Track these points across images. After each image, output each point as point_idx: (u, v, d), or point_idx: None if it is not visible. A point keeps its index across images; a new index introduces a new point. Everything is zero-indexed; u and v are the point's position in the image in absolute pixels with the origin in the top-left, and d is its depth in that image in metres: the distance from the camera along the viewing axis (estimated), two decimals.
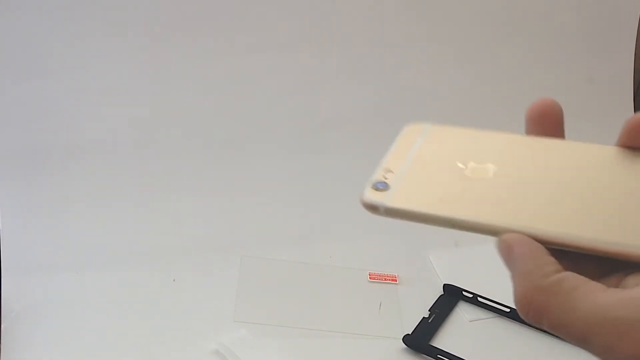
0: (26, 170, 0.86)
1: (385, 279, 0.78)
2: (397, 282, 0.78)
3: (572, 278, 0.24)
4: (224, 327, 0.69)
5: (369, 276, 0.78)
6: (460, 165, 0.30)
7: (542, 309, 0.23)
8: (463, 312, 0.74)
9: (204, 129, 0.92)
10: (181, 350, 0.67)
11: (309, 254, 0.80)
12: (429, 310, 0.73)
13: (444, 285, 0.76)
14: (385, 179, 0.30)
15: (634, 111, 1.11)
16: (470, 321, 0.72)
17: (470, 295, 0.74)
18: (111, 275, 0.76)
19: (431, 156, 0.31)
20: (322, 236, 0.85)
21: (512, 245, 0.25)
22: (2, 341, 0.67)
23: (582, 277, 0.24)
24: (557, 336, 0.24)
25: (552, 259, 0.25)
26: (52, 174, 0.86)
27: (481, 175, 0.29)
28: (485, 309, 0.73)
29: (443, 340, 0.69)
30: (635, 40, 1.09)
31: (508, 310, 0.71)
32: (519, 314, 0.24)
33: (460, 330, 0.71)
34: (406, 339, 0.68)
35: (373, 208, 0.29)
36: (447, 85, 1.00)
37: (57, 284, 0.74)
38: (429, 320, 0.71)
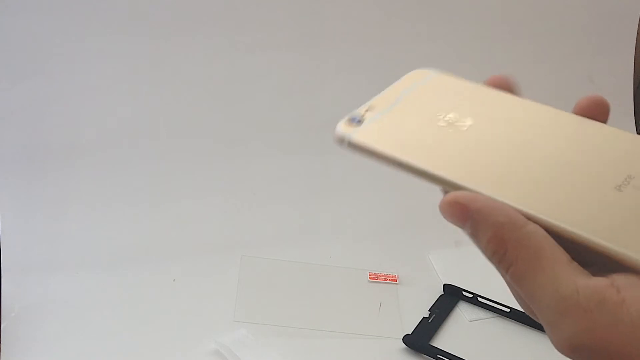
0: (26, 170, 0.85)
1: (385, 279, 0.78)
2: (397, 282, 0.78)
3: (540, 233, 0.24)
4: (223, 327, 0.69)
5: (369, 276, 0.78)
6: (439, 114, 0.30)
7: (514, 256, 0.24)
8: (463, 312, 0.74)
9: (204, 129, 0.92)
10: (181, 350, 0.67)
11: (309, 253, 0.80)
12: (429, 310, 0.73)
13: (444, 285, 0.76)
14: (363, 115, 0.30)
15: (634, 111, 1.11)
16: (470, 321, 0.72)
17: (470, 295, 0.74)
18: (111, 275, 0.76)
19: (417, 101, 0.31)
20: (322, 236, 0.85)
21: (465, 204, 0.25)
22: (2, 341, 0.67)
23: (548, 236, 0.24)
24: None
25: (515, 210, 0.24)
26: (52, 174, 0.86)
27: (454, 129, 0.29)
28: (485, 309, 0.73)
29: (443, 340, 0.69)
30: (635, 40, 1.09)
31: (508, 310, 0.71)
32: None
33: (460, 330, 0.71)
34: (406, 339, 0.68)
35: (339, 140, 0.29)
36: None
37: (57, 284, 0.74)
38: (429, 320, 0.71)
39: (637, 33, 1.09)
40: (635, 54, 1.10)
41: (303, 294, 0.76)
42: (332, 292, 0.76)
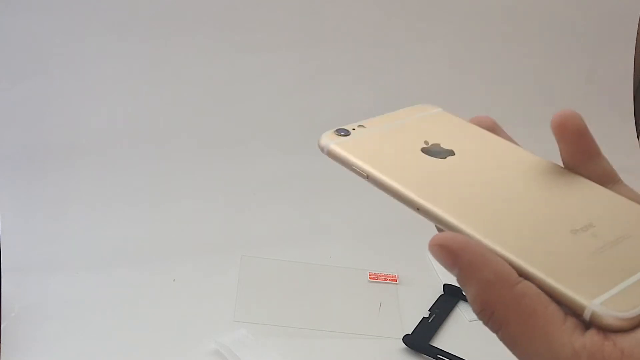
0: (26, 170, 0.85)
1: (385, 279, 0.78)
2: (397, 282, 0.78)
3: (532, 292, 0.23)
4: (223, 327, 0.69)
5: (369, 276, 0.78)
6: (423, 144, 0.30)
7: (503, 319, 0.23)
8: (463, 312, 0.74)
9: (204, 129, 0.92)
10: (181, 350, 0.67)
11: (309, 254, 0.80)
12: (429, 310, 0.73)
13: (444, 285, 0.76)
14: (353, 129, 0.31)
15: (634, 111, 1.11)
16: (470, 321, 0.72)
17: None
18: (111, 275, 0.76)
19: (408, 130, 0.31)
20: (322, 236, 0.85)
21: (455, 251, 0.23)
22: (2, 341, 0.67)
23: (541, 294, 0.23)
24: None
25: (507, 265, 0.23)
26: (51, 174, 0.86)
27: (434, 158, 0.29)
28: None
29: (443, 340, 0.69)
30: (635, 40, 1.09)
31: None
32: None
33: (460, 330, 0.71)
34: (406, 339, 0.68)
35: (320, 146, 0.31)
36: (447, 85, 1.00)
37: (56, 284, 0.74)
38: (429, 320, 0.71)
39: (637, 33, 1.09)
40: (635, 54, 1.10)
41: (303, 294, 0.76)
42: (332, 292, 0.76)
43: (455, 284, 0.76)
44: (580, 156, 0.28)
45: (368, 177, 0.29)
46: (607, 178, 0.28)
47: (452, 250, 0.23)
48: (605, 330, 0.21)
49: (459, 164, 0.29)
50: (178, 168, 0.89)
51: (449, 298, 0.75)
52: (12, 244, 0.76)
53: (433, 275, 0.78)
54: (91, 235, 0.81)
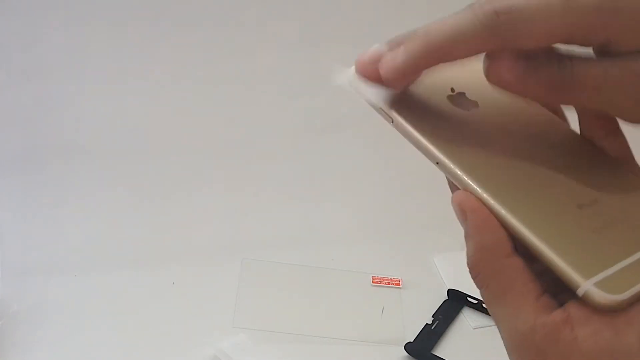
0: (25, 171, 0.85)
1: (388, 283, 0.77)
2: (401, 286, 0.77)
3: (517, 267, 0.24)
4: (223, 332, 0.68)
5: (372, 280, 0.77)
6: (450, 90, 0.29)
7: (485, 282, 0.25)
8: (467, 319, 0.72)
9: (204, 130, 0.92)
10: (179, 355, 0.67)
11: (311, 256, 0.79)
12: (432, 316, 0.71)
13: (449, 290, 0.74)
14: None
15: None
16: (474, 328, 0.71)
17: (475, 302, 0.73)
18: (110, 277, 0.75)
19: (437, 73, 0.29)
20: (324, 239, 0.84)
21: (465, 212, 0.26)
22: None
23: (525, 271, 0.24)
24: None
25: (505, 238, 0.25)
26: (50, 175, 0.85)
27: (460, 107, 0.29)
28: (490, 315, 0.71)
29: (446, 349, 0.68)
30: None
31: None
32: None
33: (464, 338, 0.70)
34: (408, 347, 0.67)
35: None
36: None
37: (55, 286, 0.74)
38: (432, 327, 0.70)
39: None
40: None
41: (304, 298, 0.75)
42: (334, 296, 0.75)
43: (461, 288, 0.76)
44: (598, 130, 0.29)
45: (393, 122, 0.28)
46: (621, 156, 0.29)
47: (463, 210, 0.26)
48: (597, 309, 0.23)
49: (481, 119, 0.29)
50: (179, 170, 0.89)
51: (454, 304, 0.73)
52: (10, 245, 0.76)
53: (437, 279, 0.77)
54: (90, 237, 0.81)
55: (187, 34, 0.90)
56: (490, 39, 0.24)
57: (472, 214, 0.25)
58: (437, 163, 0.27)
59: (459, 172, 0.26)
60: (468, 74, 0.30)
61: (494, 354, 0.67)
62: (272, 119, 0.93)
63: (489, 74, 0.26)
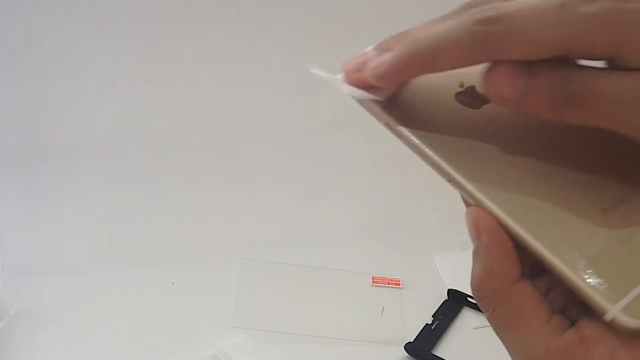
0: (25, 171, 0.85)
1: (388, 283, 0.77)
2: (401, 286, 0.76)
3: (526, 291, 0.23)
4: (223, 332, 0.68)
5: (372, 280, 0.77)
6: (459, 86, 0.27)
7: (491, 306, 0.24)
8: (467, 319, 0.72)
9: (204, 130, 0.92)
10: (179, 354, 0.66)
11: (311, 256, 0.79)
12: (432, 317, 0.71)
13: (449, 290, 0.74)
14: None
15: None
16: (474, 328, 0.71)
17: (475, 302, 0.72)
18: (110, 277, 0.75)
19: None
20: (324, 239, 0.84)
21: (480, 231, 0.24)
22: None
23: (534, 294, 0.23)
24: None
25: (516, 263, 0.24)
26: (50, 175, 0.85)
27: (471, 107, 0.27)
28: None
29: (446, 348, 0.68)
30: None
31: None
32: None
33: (464, 338, 0.70)
34: (408, 347, 0.67)
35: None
36: None
37: (55, 286, 0.74)
38: (432, 327, 0.70)
39: None
40: None
41: (304, 298, 0.75)
42: (334, 296, 0.75)
43: (461, 288, 0.75)
44: None
45: (401, 137, 0.26)
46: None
47: (478, 229, 0.24)
48: (623, 333, 0.21)
49: (494, 117, 0.26)
50: (178, 170, 0.89)
51: (454, 304, 0.73)
52: (10, 245, 0.75)
53: (437, 279, 0.77)
54: (90, 237, 0.81)
55: (187, 33, 0.90)
56: (479, 51, 0.22)
57: (486, 235, 0.24)
58: (450, 181, 0.25)
59: (475, 192, 0.24)
60: (477, 67, 0.28)
61: (494, 354, 0.67)
62: (272, 118, 0.93)
63: (486, 87, 0.23)
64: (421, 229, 0.83)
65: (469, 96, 0.27)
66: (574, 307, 0.23)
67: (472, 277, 0.24)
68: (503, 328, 0.24)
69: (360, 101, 0.27)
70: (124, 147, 0.89)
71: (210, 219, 0.84)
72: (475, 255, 0.24)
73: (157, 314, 0.71)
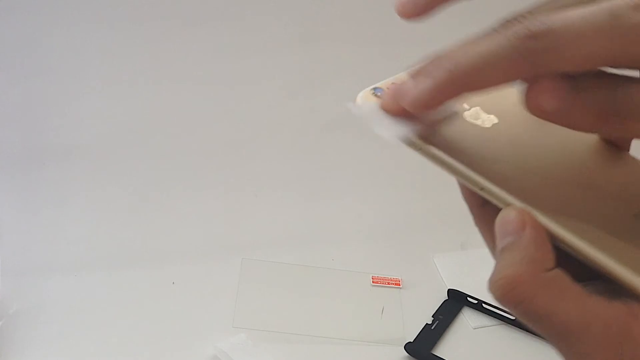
0: (24, 171, 0.85)
1: (388, 283, 0.77)
2: (401, 286, 0.76)
3: (565, 277, 0.23)
4: (223, 332, 0.68)
5: (372, 280, 0.77)
6: (465, 106, 0.27)
7: (527, 296, 0.23)
8: (467, 319, 0.72)
9: (204, 130, 0.91)
10: (179, 354, 0.66)
11: (311, 256, 0.79)
12: (432, 317, 0.71)
13: (449, 290, 0.74)
14: (388, 88, 0.28)
15: None
16: (475, 328, 0.71)
17: (475, 302, 0.72)
18: (109, 277, 0.75)
19: None
20: (324, 238, 0.83)
21: (525, 225, 0.23)
22: None
23: (571, 279, 0.23)
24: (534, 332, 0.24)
25: (553, 253, 0.24)
26: (50, 175, 0.85)
27: (478, 122, 0.27)
28: (490, 315, 0.71)
29: (446, 348, 0.68)
30: None
31: (514, 317, 0.69)
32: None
33: (464, 338, 0.69)
34: (408, 347, 0.67)
35: (354, 107, 0.28)
36: None
37: (55, 286, 0.74)
38: (432, 327, 0.70)
39: None
40: None
41: (304, 298, 0.74)
42: (334, 296, 0.75)
43: (461, 288, 0.75)
44: None
45: (421, 149, 0.25)
46: (619, 143, 0.27)
47: (524, 222, 0.23)
48: None
49: (507, 133, 0.27)
50: (178, 169, 0.89)
51: (454, 304, 0.73)
52: (9, 245, 0.75)
53: (437, 279, 0.77)
54: (90, 237, 0.81)
55: (187, 33, 0.90)
56: (524, 66, 0.22)
57: (532, 228, 0.23)
58: (482, 189, 0.25)
59: (506, 197, 0.24)
60: (495, 99, 0.28)
61: (494, 354, 0.68)
62: (272, 119, 0.93)
63: (527, 102, 0.23)
64: (421, 229, 0.83)
65: (477, 117, 0.27)
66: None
67: (502, 271, 0.23)
68: (548, 311, 0.22)
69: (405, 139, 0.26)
70: (124, 147, 0.89)
71: (210, 219, 0.84)
72: (509, 249, 0.24)
73: (157, 314, 0.71)
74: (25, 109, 0.87)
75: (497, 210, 0.25)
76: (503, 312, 0.70)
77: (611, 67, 0.22)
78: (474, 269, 0.77)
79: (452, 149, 0.25)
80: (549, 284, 0.23)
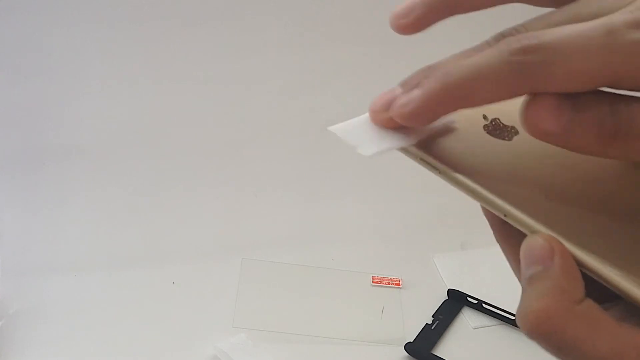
0: (24, 171, 0.85)
1: (388, 283, 0.77)
2: (401, 286, 0.76)
3: (595, 307, 0.22)
4: (223, 332, 0.68)
5: (372, 280, 0.77)
6: (482, 118, 0.26)
7: (558, 329, 0.22)
8: (467, 319, 0.72)
9: (204, 130, 0.92)
10: (179, 354, 0.66)
11: (311, 256, 0.79)
12: (432, 317, 0.71)
13: (448, 290, 0.74)
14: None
15: None
16: (474, 328, 0.71)
17: (475, 302, 0.72)
18: (110, 277, 0.75)
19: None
20: (324, 238, 0.83)
21: (554, 253, 0.22)
22: None
23: (601, 309, 0.23)
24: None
25: (582, 283, 0.23)
26: (50, 175, 0.85)
27: (502, 138, 0.26)
28: (490, 315, 0.71)
29: (446, 348, 0.68)
30: None
31: (513, 317, 0.69)
32: (522, 322, 0.22)
33: (464, 338, 0.69)
34: (408, 347, 0.67)
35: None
36: None
37: (55, 286, 0.74)
38: (432, 327, 0.70)
39: None
40: None
41: (304, 298, 0.74)
42: (334, 296, 0.75)
43: (461, 288, 0.75)
44: None
45: (440, 172, 0.24)
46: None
47: (552, 250, 0.22)
48: None
49: (529, 147, 0.25)
50: (178, 170, 0.89)
51: (454, 304, 0.73)
52: (10, 245, 0.75)
53: (437, 279, 0.77)
54: (90, 237, 0.81)
55: (187, 33, 0.90)
56: (520, 83, 0.21)
57: (561, 257, 0.22)
58: (505, 215, 0.24)
59: (538, 225, 0.23)
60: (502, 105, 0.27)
61: (494, 354, 0.67)
62: (272, 119, 0.93)
63: (525, 121, 0.22)
64: (421, 229, 0.83)
65: (497, 128, 0.26)
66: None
67: (532, 304, 0.22)
68: (580, 341, 0.22)
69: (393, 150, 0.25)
70: (124, 147, 0.89)
71: (210, 219, 0.84)
72: (538, 278, 0.22)
73: (157, 314, 0.71)
74: (25, 109, 0.87)
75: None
76: (503, 312, 0.71)
77: (609, 87, 0.21)
78: (474, 269, 0.78)
79: (473, 171, 0.24)
80: (581, 316, 0.22)
